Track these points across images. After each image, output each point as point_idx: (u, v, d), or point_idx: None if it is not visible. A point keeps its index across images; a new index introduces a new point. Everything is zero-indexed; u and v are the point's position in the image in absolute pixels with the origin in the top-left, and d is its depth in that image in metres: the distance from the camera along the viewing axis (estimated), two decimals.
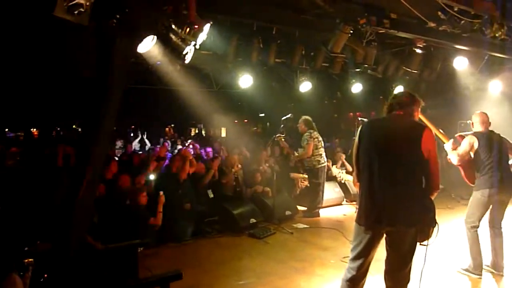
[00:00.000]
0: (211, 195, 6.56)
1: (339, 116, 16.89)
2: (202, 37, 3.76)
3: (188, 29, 3.63)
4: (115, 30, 3.62)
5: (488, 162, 4.23)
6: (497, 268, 4.38)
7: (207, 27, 3.75)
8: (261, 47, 6.12)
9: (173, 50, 4.06)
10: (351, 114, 15.69)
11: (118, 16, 3.60)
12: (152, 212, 5.37)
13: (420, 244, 2.85)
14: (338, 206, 7.78)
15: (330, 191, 7.63)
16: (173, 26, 3.63)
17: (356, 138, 3.00)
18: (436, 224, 2.79)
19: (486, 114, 4.54)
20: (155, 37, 3.91)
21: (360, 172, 2.92)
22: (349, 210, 7.55)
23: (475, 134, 4.38)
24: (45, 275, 2.86)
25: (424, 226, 2.77)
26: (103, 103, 3.72)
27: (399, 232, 2.78)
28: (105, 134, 3.74)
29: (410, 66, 7.02)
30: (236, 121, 20.14)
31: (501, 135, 4.45)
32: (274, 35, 6.25)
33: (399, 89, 8.58)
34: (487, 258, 4.41)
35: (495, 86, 8.04)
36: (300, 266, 4.71)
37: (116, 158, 7.69)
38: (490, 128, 4.45)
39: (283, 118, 6.62)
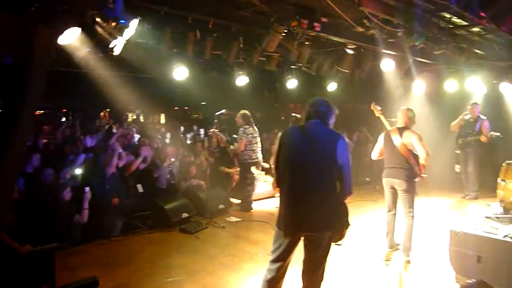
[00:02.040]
0: (141, 190, 6.42)
1: (280, 106, 17.20)
2: (129, 32, 3.63)
3: (114, 24, 3.48)
4: (36, 19, 3.42)
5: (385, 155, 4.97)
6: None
7: (134, 22, 3.62)
8: (196, 40, 6.03)
9: (100, 43, 3.90)
10: (292, 105, 16.08)
11: (37, 5, 3.39)
12: (77, 208, 5.16)
13: (335, 244, 3.04)
14: (271, 199, 7.99)
15: (264, 184, 7.78)
16: (98, 20, 3.46)
17: (276, 145, 3.10)
18: (349, 226, 2.99)
19: (401, 111, 4.99)
20: (80, 29, 3.71)
21: (280, 178, 3.03)
22: None
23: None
24: None
25: (338, 229, 2.95)
26: (22, 90, 3.57)
27: (316, 237, 2.93)
28: (24, 125, 3.58)
29: (342, 65, 7.32)
30: (176, 107, 19.76)
31: (410, 131, 4.86)
32: (210, 28, 6.18)
33: (332, 86, 8.97)
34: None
35: (418, 86, 8.66)
36: (230, 262, 4.80)
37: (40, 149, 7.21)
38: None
39: (216, 114, 6.62)
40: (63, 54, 4.34)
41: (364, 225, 6.32)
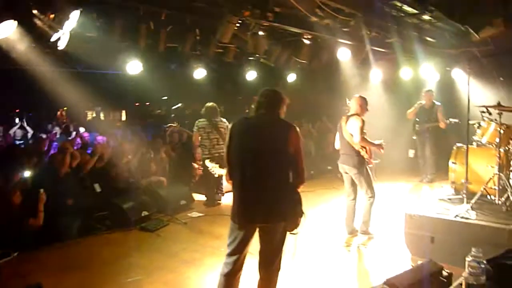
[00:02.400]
0: (98, 189, 6.20)
1: (243, 99, 17.17)
2: (70, 24, 3.44)
3: (53, 16, 3.29)
4: None
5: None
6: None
7: (75, 14, 3.44)
8: (149, 32, 5.85)
9: (40, 36, 3.68)
10: (255, 97, 16.07)
11: None
12: (30, 211, 4.92)
13: (290, 234, 3.04)
14: None
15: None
16: (35, 12, 3.25)
17: (227, 136, 3.05)
18: (303, 214, 2.99)
19: (353, 99, 5.14)
20: (16, 22, 3.49)
21: (232, 170, 2.99)
22: None
23: None
24: None
25: (293, 218, 2.95)
26: None
27: (271, 227, 2.92)
28: None
29: (299, 56, 7.33)
30: (137, 103, 19.24)
31: (355, 117, 5.01)
32: (164, 20, 6.01)
33: (291, 77, 9.01)
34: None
35: (375, 75, 8.83)
36: (191, 258, 4.73)
37: None
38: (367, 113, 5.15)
39: (173, 108, 6.47)
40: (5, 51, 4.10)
41: (325, 213, 6.43)
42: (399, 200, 6.99)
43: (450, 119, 7.87)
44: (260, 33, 6.36)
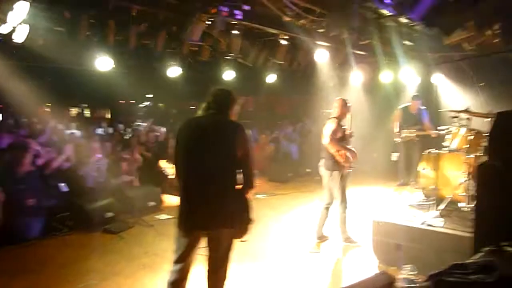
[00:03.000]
0: (65, 189, 5.99)
1: None
2: (17, 15, 3.26)
3: None
4: None
5: None
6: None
7: (22, 5, 3.26)
8: (118, 29, 5.67)
9: None
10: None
11: None
12: None
13: (240, 241, 2.90)
14: None
15: None
16: None
17: (175, 138, 2.90)
18: (252, 221, 2.85)
19: (335, 101, 5.00)
20: None
21: (178, 173, 2.84)
22: None
23: None
24: None
25: (241, 225, 2.81)
26: None
27: (217, 235, 2.77)
28: None
29: (276, 57, 7.20)
30: (123, 101, 18.98)
31: (331, 120, 4.91)
32: (135, 16, 5.83)
33: (271, 78, 8.88)
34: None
35: (355, 77, 8.74)
36: (151, 262, 4.56)
37: None
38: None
39: (141, 106, 6.29)
40: None
41: (297, 217, 6.29)
42: (376, 205, 6.88)
43: (438, 128, 7.66)
44: (235, 32, 6.24)
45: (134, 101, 19.32)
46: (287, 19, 5.36)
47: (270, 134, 10.21)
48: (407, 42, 7.14)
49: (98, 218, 5.54)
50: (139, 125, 9.32)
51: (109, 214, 5.71)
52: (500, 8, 4.74)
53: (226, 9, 4.67)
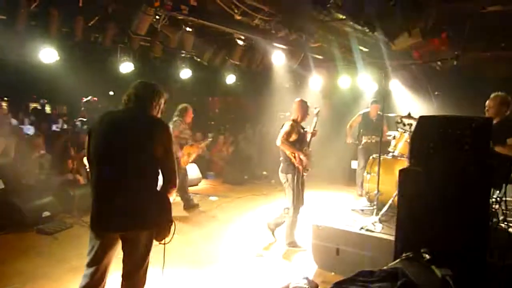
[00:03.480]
0: (2, 186, 5.66)
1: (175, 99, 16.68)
2: None
3: None
4: None
5: None
6: None
7: None
8: (62, 19, 5.41)
9: None
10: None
11: None
12: None
13: (159, 243, 2.75)
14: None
15: None
16: None
17: (88, 132, 2.72)
18: (173, 223, 2.71)
19: (294, 103, 4.93)
20: None
21: (91, 170, 2.66)
22: None
23: None
24: None
25: (160, 227, 2.66)
26: None
27: (133, 236, 2.62)
28: None
29: (233, 57, 7.10)
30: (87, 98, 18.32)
31: (288, 121, 4.85)
32: (82, 7, 5.58)
33: (230, 78, 8.76)
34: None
35: (313, 81, 8.75)
36: (81, 265, 4.26)
37: None
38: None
39: (83, 101, 6.03)
40: None
41: (245, 220, 6.19)
42: (327, 210, 6.87)
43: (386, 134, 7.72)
44: (188, 29, 6.10)
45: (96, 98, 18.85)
46: (238, 17, 5.25)
47: (230, 136, 10.09)
48: (363, 48, 7.21)
49: (33, 218, 5.24)
50: (81, 121, 8.91)
51: (46, 214, 5.42)
52: (446, 15, 4.84)
53: (170, 2, 4.51)
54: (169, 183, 2.70)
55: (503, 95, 3.99)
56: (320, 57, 7.60)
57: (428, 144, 2.42)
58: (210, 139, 7.44)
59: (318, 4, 3.35)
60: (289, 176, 4.77)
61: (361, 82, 8.56)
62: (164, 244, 2.76)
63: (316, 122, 5.17)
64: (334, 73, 8.74)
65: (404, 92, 9.04)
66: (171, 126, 6.46)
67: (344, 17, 5.54)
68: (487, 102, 4.07)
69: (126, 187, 2.55)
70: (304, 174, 4.87)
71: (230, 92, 9.66)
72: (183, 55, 7.09)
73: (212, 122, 11.92)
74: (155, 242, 2.72)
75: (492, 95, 4.05)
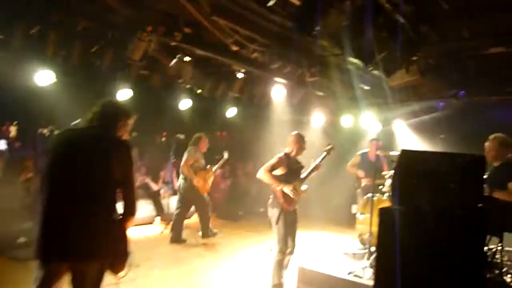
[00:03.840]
0: None
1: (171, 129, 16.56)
2: None
3: None
4: None
5: None
6: None
7: None
8: (60, 42, 5.41)
9: None
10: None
11: None
12: None
13: (116, 278, 2.49)
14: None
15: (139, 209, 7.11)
16: None
17: (47, 151, 2.54)
18: (128, 255, 2.45)
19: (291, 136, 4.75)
20: None
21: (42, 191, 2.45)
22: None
23: None
24: None
25: (114, 259, 2.41)
26: None
27: (82, 267, 2.37)
28: None
29: (233, 89, 7.02)
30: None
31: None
32: (79, 31, 5.60)
33: (232, 111, 8.65)
34: None
35: (315, 118, 8.59)
36: None
37: None
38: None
39: (72, 124, 5.89)
40: None
41: (233, 259, 5.82)
42: (320, 253, 6.49)
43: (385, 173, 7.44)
44: (186, 58, 6.05)
45: None
46: (234, 48, 5.20)
47: (228, 169, 9.86)
48: (364, 86, 7.07)
49: (6, 243, 5.00)
50: None
51: (22, 240, 5.17)
52: (446, 54, 4.69)
53: (163, 28, 4.46)
54: (127, 212, 2.47)
55: (502, 136, 3.75)
56: (321, 93, 7.47)
57: (411, 181, 2.17)
58: (225, 159, 7.38)
59: (304, 31, 3.22)
60: (274, 211, 4.49)
61: (364, 121, 8.37)
62: (119, 279, 2.50)
63: (323, 158, 4.92)
64: (336, 111, 8.59)
65: (408, 134, 8.81)
66: (186, 154, 6.53)
67: (340, 52, 5.47)
68: (486, 144, 3.83)
69: (78, 212, 2.32)
70: (290, 209, 4.54)
71: (231, 125, 9.52)
72: (183, 85, 7.02)
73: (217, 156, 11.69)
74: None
75: (490, 137, 3.81)
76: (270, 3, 2.83)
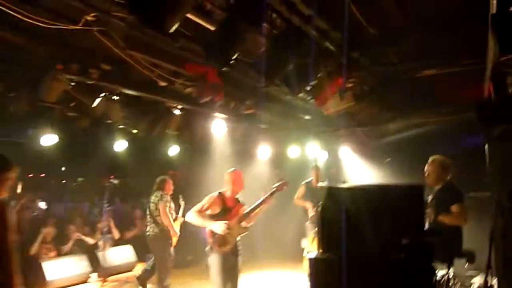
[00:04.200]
0: None
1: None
2: None
3: None
4: None
5: None
6: None
7: None
8: None
9: None
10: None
11: None
12: None
13: None
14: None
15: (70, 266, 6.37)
16: None
17: None
18: None
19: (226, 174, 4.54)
20: None
21: None
22: None
23: None
24: None
25: None
26: None
27: None
28: None
29: (170, 126, 6.62)
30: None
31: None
32: None
33: (173, 150, 8.21)
34: None
35: (261, 151, 8.32)
36: None
37: None
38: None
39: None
40: None
41: None
42: None
43: None
44: (114, 97, 5.62)
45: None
46: (162, 84, 4.86)
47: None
48: (304, 116, 6.96)
49: None
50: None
51: None
52: (380, 78, 4.62)
53: (75, 65, 4.04)
54: (5, 282, 1.97)
55: (442, 158, 3.62)
56: (263, 126, 7.26)
57: (339, 224, 1.87)
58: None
59: (221, 60, 2.96)
60: (209, 255, 4.14)
61: (310, 151, 8.22)
62: None
63: (272, 193, 4.58)
64: (282, 142, 8.39)
65: (355, 160, 8.77)
66: (158, 202, 6.12)
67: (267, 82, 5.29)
68: (425, 167, 3.68)
69: None
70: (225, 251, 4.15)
71: (174, 164, 9.04)
72: (115, 125, 6.54)
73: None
74: None
75: (430, 159, 3.67)
76: (172, 30, 2.52)
